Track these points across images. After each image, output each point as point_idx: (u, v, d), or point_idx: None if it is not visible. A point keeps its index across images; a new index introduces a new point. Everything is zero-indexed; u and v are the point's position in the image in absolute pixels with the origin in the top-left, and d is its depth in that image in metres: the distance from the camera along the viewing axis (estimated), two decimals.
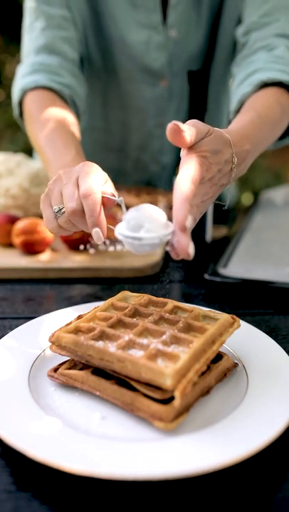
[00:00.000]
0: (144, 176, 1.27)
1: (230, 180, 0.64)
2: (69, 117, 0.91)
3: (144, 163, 1.25)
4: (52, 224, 0.64)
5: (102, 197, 0.60)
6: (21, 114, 1.03)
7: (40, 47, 1.02)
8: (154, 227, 0.55)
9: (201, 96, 0.92)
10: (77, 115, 1.02)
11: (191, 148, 0.58)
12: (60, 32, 1.02)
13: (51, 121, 0.88)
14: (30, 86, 0.98)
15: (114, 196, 0.61)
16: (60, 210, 0.62)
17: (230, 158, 0.62)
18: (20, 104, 1.02)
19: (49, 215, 0.64)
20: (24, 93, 1.00)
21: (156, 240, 0.54)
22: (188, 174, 0.55)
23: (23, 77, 1.01)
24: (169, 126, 0.55)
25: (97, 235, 0.59)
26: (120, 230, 0.57)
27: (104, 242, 0.92)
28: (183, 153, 0.58)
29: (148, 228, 0.55)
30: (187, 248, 0.52)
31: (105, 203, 0.60)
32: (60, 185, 0.63)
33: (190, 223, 0.53)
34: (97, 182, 0.60)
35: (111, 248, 0.92)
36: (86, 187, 0.59)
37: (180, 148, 0.59)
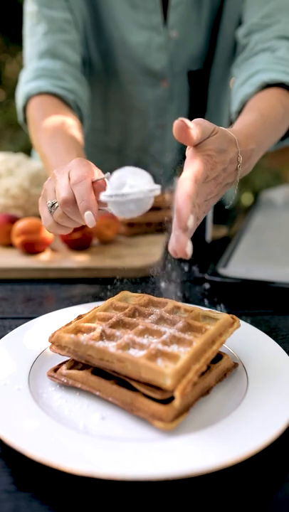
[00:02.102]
0: None
1: (236, 180, 0.64)
2: (72, 123, 0.91)
3: (145, 164, 1.25)
4: (48, 221, 0.65)
5: (93, 183, 0.60)
6: (26, 119, 1.03)
7: (43, 51, 1.02)
8: (137, 183, 0.55)
9: (201, 96, 0.92)
10: (81, 119, 1.02)
11: (197, 146, 0.58)
12: (62, 35, 1.02)
13: (54, 128, 0.89)
14: (34, 92, 0.98)
15: (102, 176, 0.61)
16: (54, 204, 0.63)
17: (236, 157, 0.62)
18: (25, 109, 1.02)
19: (45, 214, 0.65)
20: (28, 99, 1.00)
21: (139, 194, 0.55)
22: (191, 173, 0.55)
23: (26, 83, 1.01)
24: (176, 122, 0.55)
25: (89, 218, 0.59)
26: (104, 193, 0.57)
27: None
28: (188, 152, 0.58)
29: (131, 184, 0.55)
30: (185, 248, 0.52)
31: (96, 189, 0.61)
32: (53, 183, 0.64)
33: (192, 223, 0.53)
34: (88, 171, 0.61)
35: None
36: (76, 175, 0.60)
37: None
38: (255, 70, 0.93)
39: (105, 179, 0.61)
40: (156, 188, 0.56)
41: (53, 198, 0.64)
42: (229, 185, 0.63)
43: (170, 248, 0.54)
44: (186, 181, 0.54)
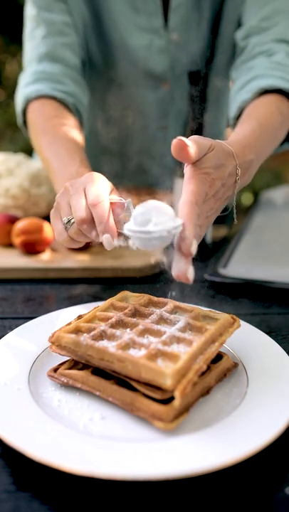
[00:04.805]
0: (146, 178, 1.27)
1: (235, 192, 0.64)
2: (72, 126, 0.91)
3: (146, 166, 1.25)
4: (62, 236, 0.65)
5: (110, 203, 0.60)
6: (25, 122, 1.03)
7: (42, 55, 1.01)
8: (161, 220, 0.55)
9: (201, 96, 0.92)
10: (81, 122, 1.02)
11: (194, 164, 0.58)
12: (61, 38, 1.02)
13: (55, 131, 0.89)
14: (33, 95, 0.98)
15: (121, 200, 0.61)
16: (70, 221, 0.63)
17: (234, 170, 0.62)
18: (24, 113, 1.02)
19: (59, 228, 0.65)
20: (27, 102, 1.00)
21: (164, 232, 0.54)
22: (191, 196, 0.55)
23: (25, 87, 1.01)
24: (174, 142, 0.55)
25: (108, 241, 0.59)
26: (128, 227, 0.57)
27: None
28: (186, 170, 0.58)
29: (156, 222, 0.55)
30: (186, 273, 0.53)
31: (113, 209, 0.61)
32: (67, 197, 0.64)
33: (195, 248, 0.54)
34: (104, 190, 0.61)
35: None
36: (94, 195, 0.60)
37: None
38: (253, 75, 0.93)
39: (125, 204, 0.61)
40: (179, 225, 0.55)
41: (68, 214, 0.63)
42: (229, 198, 0.63)
43: (173, 272, 0.55)
44: (186, 206, 0.54)
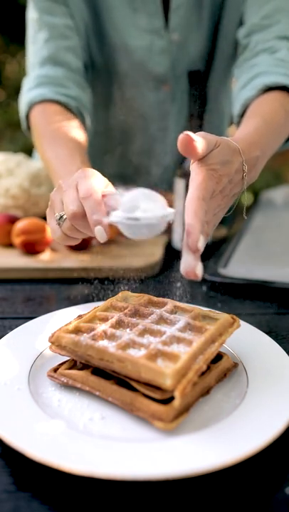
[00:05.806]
0: (146, 178, 1.27)
1: (242, 189, 0.64)
2: (75, 129, 0.91)
3: (146, 167, 1.25)
4: (57, 233, 0.64)
5: (103, 196, 0.60)
6: (29, 127, 1.03)
7: (45, 59, 1.01)
8: (150, 207, 0.54)
9: (200, 96, 0.92)
10: (84, 126, 1.02)
11: (200, 160, 0.57)
12: (63, 42, 1.02)
13: (57, 134, 0.89)
14: (37, 100, 0.98)
15: (116, 193, 0.61)
16: (62, 216, 0.62)
17: (241, 166, 0.62)
18: (28, 117, 1.02)
19: (53, 225, 0.64)
20: (31, 107, 1.00)
21: (153, 219, 0.53)
22: (198, 192, 0.55)
23: (29, 91, 1.01)
24: (181, 136, 0.55)
25: (100, 233, 0.58)
26: (116, 214, 0.56)
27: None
28: (192, 167, 0.58)
29: (144, 208, 0.54)
30: (195, 269, 0.53)
31: (106, 202, 0.60)
32: (60, 194, 0.63)
33: (202, 244, 0.53)
34: (97, 184, 0.60)
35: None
36: (85, 189, 0.59)
37: None
38: (256, 73, 0.93)
39: (116, 195, 0.60)
40: (170, 214, 0.54)
41: (61, 210, 0.63)
42: (236, 195, 0.63)
43: (181, 270, 0.54)
44: (193, 202, 0.54)
